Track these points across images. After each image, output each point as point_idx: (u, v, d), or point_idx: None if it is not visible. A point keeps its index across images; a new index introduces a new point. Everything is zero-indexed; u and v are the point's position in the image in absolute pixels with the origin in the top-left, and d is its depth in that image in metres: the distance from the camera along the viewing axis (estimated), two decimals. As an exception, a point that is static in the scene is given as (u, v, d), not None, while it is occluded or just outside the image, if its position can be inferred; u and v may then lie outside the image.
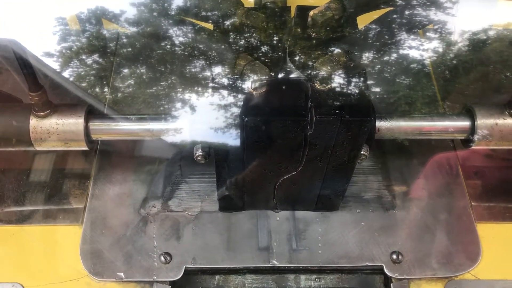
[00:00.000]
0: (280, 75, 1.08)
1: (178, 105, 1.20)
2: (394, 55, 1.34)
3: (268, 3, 1.35)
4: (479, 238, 1.34)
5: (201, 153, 1.14)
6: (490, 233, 1.35)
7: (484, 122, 1.21)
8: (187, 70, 1.21)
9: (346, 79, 1.06)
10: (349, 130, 1.03)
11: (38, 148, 1.22)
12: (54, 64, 1.45)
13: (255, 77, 1.05)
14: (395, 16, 1.25)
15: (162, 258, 1.30)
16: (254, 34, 1.16)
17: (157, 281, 1.27)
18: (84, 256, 1.31)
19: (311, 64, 1.09)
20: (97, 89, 1.56)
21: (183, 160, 1.46)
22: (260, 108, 1.02)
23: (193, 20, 1.23)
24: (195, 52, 1.18)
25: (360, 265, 1.32)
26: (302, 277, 1.35)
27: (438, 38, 1.48)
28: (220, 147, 1.12)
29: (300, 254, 1.32)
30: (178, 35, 1.21)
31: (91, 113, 1.22)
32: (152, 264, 1.30)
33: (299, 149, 1.08)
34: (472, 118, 1.22)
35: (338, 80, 1.06)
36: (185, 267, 1.29)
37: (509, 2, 1.52)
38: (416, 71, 1.61)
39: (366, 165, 1.45)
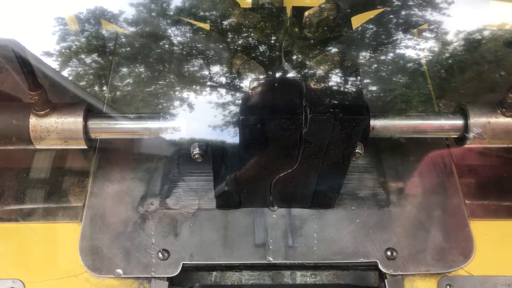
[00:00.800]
0: (275, 74, 1.09)
1: (176, 103, 1.22)
2: (389, 54, 1.35)
3: (266, 4, 1.37)
4: (472, 235, 1.35)
5: (198, 151, 1.16)
6: (483, 230, 1.37)
7: (477, 120, 1.23)
8: (185, 69, 1.22)
9: (340, 78, 1.08)
10: (343, 128, 1.04)
11: (37, 147, 1.23)
12: (53, 63, 1.47)
13: (251, 76, 1.07)
14: (390, 16, 1.26)
15: (160, 255, 1.31)
16: (251, 34, 1.18)
17: (155, 277, 1.29)
18: (83, 253, 1.32)
19: (306, 63, 1.11)
20: (96, 88, 1.57)
21: (181, 158, 1.47)
22: (256, 107, 1.04)
23: (191, 21, 1.25)
24: (193, 51, 1.20)
25: (355, 262, 1.33)
26: (298, 273, 1.36)
27: (434, 38, 1.50)
28: (217, 145, 1.14)
29: (296, 250, 1.34)
30: (176, 35, 1.23)
31: (90, 112, 1.24)
32: (150, 261, 1.31)
33: (295, 147, 1.10)
34: (465, 117, 1.24)
35: (332, 79, 1.08)
36: (183, 263, 1.31)
37: (501, 2, 1.54)
38: (411, 70, 1.63)
39: (361, 163, 1.46)
